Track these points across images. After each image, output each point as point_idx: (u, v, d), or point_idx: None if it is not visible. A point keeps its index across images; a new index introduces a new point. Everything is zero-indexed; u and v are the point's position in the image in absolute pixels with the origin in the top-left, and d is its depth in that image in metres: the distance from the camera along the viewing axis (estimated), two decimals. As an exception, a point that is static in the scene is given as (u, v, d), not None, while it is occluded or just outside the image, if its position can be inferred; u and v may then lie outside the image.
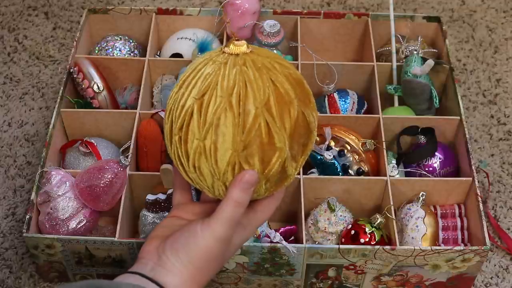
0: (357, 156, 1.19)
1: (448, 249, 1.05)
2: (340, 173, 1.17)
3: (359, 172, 1.17)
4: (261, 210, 0.83)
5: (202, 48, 1.27)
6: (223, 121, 0.73)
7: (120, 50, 1.33)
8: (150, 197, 1.12)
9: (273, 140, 0.74)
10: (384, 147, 1.17)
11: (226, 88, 0.73)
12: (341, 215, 1.13)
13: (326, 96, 1.27)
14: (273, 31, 1.28)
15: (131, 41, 1.35)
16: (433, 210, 1.17)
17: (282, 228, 1.17)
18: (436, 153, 1.21)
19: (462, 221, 1.17)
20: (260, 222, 0.83)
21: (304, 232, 1.10)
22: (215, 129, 0.73)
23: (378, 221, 1.10)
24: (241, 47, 0.77)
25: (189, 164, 0.77)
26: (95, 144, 1.18)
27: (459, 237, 1.16)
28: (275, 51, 1.30)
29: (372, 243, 1.08)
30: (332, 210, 1.12)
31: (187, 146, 0.76)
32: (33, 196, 1.10)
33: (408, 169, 1.21)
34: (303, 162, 0.81)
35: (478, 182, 1.23)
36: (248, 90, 0.73)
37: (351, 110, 1.26)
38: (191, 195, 0.87)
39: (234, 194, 0.77)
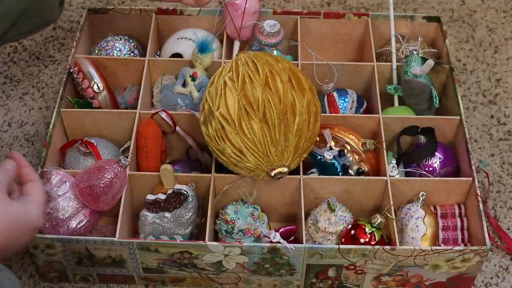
0: (357, 156, 1.19)
1: (448, 249, 1.05)
2: (340, 173, 1.17)
3: (359, 172, 1.17)
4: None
5: (202, 48, 1.27)
6: None
7: (120, 50, 1.33)
8: (150, 197, 1.12)
9: None
10: (384, 147, 1.17)
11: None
12: (341, 215, 1.13)
13: (326, 95, 1.27)
14: (273, 31, 1.28)
15: (131, 41, 1.35)
16: (433, 210, 1.17)
17: (282, 228, 1.17)
18: (436, 153, 1.21)
19: (462, 221, 1.17)
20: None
21: (304, 232, 1.10)
22: None
23: (378, 221, 1.10)
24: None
25: None
26: (95, 144, 1.18)
27: (459, 237, 1.16)
28: (275, 51, 1.30)
29: (372, 243, 1.08)
30: (332, 210, 1.12)
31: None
32: (33, 196, 1.10)
33: (408, 169, 1.21)
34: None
35: (478, 182, 1.23)
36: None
37: (350, 108, 1.26)
38: None
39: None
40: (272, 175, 1.06)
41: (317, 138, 1.20)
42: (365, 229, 1.09)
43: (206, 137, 1.08)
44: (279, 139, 1.03)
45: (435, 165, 1.20)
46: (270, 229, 1.14)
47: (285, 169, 1.06)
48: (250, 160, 1.04)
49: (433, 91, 1.23)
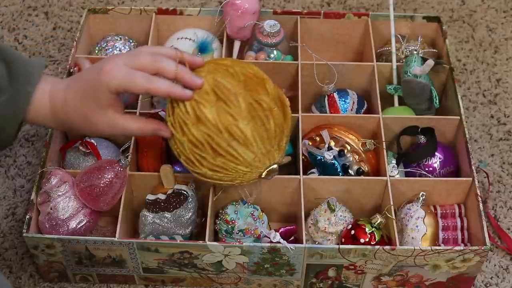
0: (357, 156, 1.19)
1: (448, 249, 1.05)
2: (340, 173, 1.17)
3: (359, 172, 1.17)
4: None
5: (202, 48, 1.27)
6: None
7: (120, 50, 1.33)
8: (150, 197, 1.12)
9: None
10: (384, 147, 1.17)
11: None
12: (341, 215, 1.13)
13: (326, 96, 1.27)
14: (273, 31, 1.28)
15: (131, 41, 1.35)
16: (433, 210, 1.17)
17: (282, 228, 1.17)
18: (436, 153, 1.21)
19: (462, 221, 1.17)
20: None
21: (304, 232, 1.10)
22: None
23: (378, 221, 1.10)
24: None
25: None
26: (95, 144, 1.18)
27: (459, 237, 1.16)
28: (275, 51, 1.30)
29: (372, 243, 1.08)
30: (332, 210, 1.12)
31: None
32: (33, 196, 1.10)
33: (408, 169, 1.21)
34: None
35: (478, 182, 1.23)
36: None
37: (351, 110, 1.26)
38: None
39: (154, 124, 1.02)
40: (264, 175, 1.03)
41: (317, 138, 1.20)
42: (365, 229, 1.09)
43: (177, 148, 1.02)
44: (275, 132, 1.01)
45: (435, 165, 1.20)
46: (270, 229, 1.14)
47: (276, 166, 1.04)
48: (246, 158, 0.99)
49: (433, 91, 1.23)
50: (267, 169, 1.03)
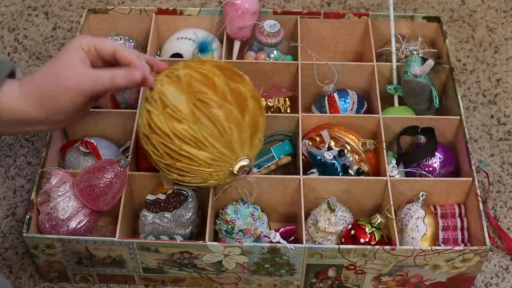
0: (357, 156, 1.19)
1: (448, 249, 1.05)
2: (340, 173, 1.17)
3: (359, 172, 1.17)
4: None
5: (202, 48, 1.27)
6: None
7: (120, 50, 1.33)
8: (150, 197, 1.12)
9: None
10: (384, 147, 1.17)
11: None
12: (341, 215, 1.13)
13: (326, 96, 1.27)
14: (273, 31, 1.28)
15: (131, 41, 1.35)
16: (433, 210, 1.17)
17: (282, 228, 1.17)
18: (436, 153, 1.21)
19: (462, 221, 1.17)
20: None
21: (304, 232, 1.10)
22: None
23: (378, 221, 1.10)
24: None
25: None
26: (95, 144, 1.18)
27: (459, 237, 1.16)
28: (275, 51, 1.30)
29: (372, 243, 1.08)
30: (332, 210, 1.12)
31: None
32: (33, 196, 1.10)
33: (408, 169, 1.21)
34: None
35: (478, 182, 1.23)
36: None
37: (351, 110, 1.26)
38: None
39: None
40: (236, 170, 1.02)
41: (317, 138, 1.20)
42: (365, 229, 1.09)
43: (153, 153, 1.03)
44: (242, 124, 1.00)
45: (435, 165, 1.20)
46: (270, 229, 1.14)
47: (247, 161, 1.03)
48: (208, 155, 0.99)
49: (433, 91, 1.23)
50: (238, 166, 1.02)
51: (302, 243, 1.07)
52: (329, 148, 1.17)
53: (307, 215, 1.16)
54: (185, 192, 1.11)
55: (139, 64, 1.02)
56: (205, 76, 1.00)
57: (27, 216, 1.08)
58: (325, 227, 1.12)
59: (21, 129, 1.03)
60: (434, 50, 1.34)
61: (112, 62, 1.04)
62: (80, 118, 1.10)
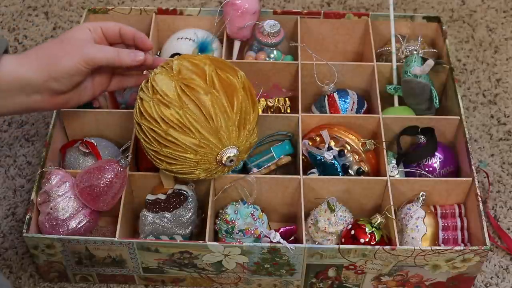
0: (357, 156, 1.19)
1: (448, 249, 1.05)
2: (340, 173, 1.17)
3: (359, 172, 1.17)
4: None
5: (202, 48, 1.27)
6: None
7: (120, 50, 1.33)
8: (150, 197, 1.12)
9: None
10: (384, 147, 1.17)
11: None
12: (341, 215, 1.13)
13: (326, 96, 1.27)
14: (273, 31, 1.28)
15: (131, 41, 1.35)
16: (433, 210, 1.17)
17: (282, 228, 1.17)
18: (436, 153, 1.21)
19: (462, 221, 1.17)
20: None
21: (304, 232, 1.10)
22: None
23: (378, 221, 1.10)
24: None
25: None
26: (95, 144, 1.18)
27: (459, 237, 1.16)
28: (275, 51, 1.30)
29: (372, 243, 1.08)
30: (332, 210, 1.12)
31: None
32: (33, 196, 1.10)
33: (408, 169, 1.21)
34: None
35: (478, 182, 1.23)
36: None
37: (351, 110, 1.26)
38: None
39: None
40: (224, 160, 1.02)
41: (317, 138, 1.20)
42: (365, 229, 1.09)
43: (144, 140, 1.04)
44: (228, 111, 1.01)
45: (435, 165, 1.20)
46: (270, 229, 1.14)
47: (235, 151, 1.03)
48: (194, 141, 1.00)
49: (433, 91, 1.23)
50: (225, 156, 1.02)
51: (302, 243, 1.07)
52: (329, 148, 1.17)
53: (307, 215, 1.16)
54: (185, 192, 1.11)
55: (143, 35, 1.08)
56: (196, 65, 1.02)
57: (27, 216, 1.08)
58: (325, 227, 1.12)
59: (16, 100, 1.00)
60: (434, 50, 1.34)
61: (117, 42, 1.08)
62: (75, 102, 1.07)
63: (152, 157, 1.04)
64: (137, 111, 1.03)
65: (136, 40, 1.08)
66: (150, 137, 1.02)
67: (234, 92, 1.01)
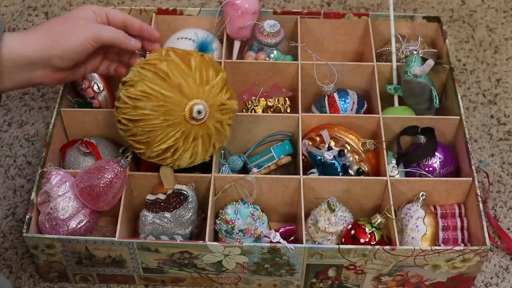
0: (357, 156, 1.19)
1: (448, 249, 1.05)
2: (340, 173, 1.17)
3: (359, 172, 1.17)
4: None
5: (202, 48, 1.27)
6: None
7: (120, 50, 1.33)
8: (150, 197, 1.12)
9: None
10: (384, 147, 1.17)
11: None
12: (341, 215, 1.13)
13: (326, 96, 1.27)
14: (273, 31, 1.28)
15: (131, 41, 1.35)
16: (433, 210, 1.17)
17: (282, 228, 1.17)
18: (436, 153, 1.21)
19: (462, 221, 1.17)
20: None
21: (304, 232, 1.10)
22: None
23: (378, 221, 1.10)
24: None
25: None
26: (95, 144, 1.18)
27: (459, 237, 1.16)
28: (275, 51, 1.30)
29: (372, 243, 1.08)
30: (332, 210, 1.12)
31: None
32: (33, 196, 1.10)
33: (408, 169, 1.21)
34: None
35: (478, 182, 1.23)
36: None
37: (351, 110, 1.26)
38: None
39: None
40: (193, 113, 1.04)
41: (317, 138, 1.20)
42: (365, 229, 1.09)
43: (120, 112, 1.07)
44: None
45: (435, 165, 1.20)
46: (270, 229, 1.14)
47: (202, 104, 1.05)
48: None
49: (433, 91, 1.23)
50: (195, 108, 1.04)
51: (302, 243, 1.07)
52: (329, 148, 1.17)
53: (307, 215, 1.16)
54: (185, 192, 1.11)
55: (151, 27, 1.13)
56: (161, 56, 1.07)
57: (27, 216, 1.08)
58: (325, 227, 1.12)
59: (20, 76, 1.01)
60: (434, 50, 1.34)
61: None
62: (71, 79, 1.09)
63: (131, 142, 1.07)
64: (115, 109, 1.07)
65: (144, 31, 1.11)
66: (124, 122, 1.05)
67: (191, 56, 1.07)
